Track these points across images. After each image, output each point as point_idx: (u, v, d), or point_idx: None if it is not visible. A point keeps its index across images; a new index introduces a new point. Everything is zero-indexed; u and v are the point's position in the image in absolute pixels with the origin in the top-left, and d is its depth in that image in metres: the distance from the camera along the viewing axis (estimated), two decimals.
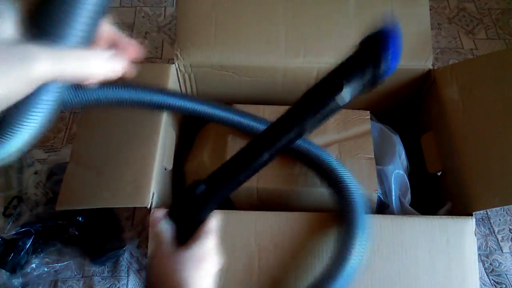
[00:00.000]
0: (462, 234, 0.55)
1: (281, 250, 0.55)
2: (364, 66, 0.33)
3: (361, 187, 0.62)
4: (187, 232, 0.39)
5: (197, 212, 0.40)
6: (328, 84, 0.36)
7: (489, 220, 0.92)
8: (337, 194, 0.56)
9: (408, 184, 0.70)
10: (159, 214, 0.41)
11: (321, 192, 0.64)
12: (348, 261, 0.49)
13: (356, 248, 0.50)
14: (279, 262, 0.55)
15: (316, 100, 0.36)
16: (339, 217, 0.55)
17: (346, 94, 0.35)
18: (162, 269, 0.37)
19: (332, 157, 0.60)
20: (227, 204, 0.68)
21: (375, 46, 0.33)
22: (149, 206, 0.56)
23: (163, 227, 0.39)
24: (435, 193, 0.72)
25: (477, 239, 0.55)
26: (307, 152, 0.61)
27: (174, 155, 0.70)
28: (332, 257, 0.52)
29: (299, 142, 0.61)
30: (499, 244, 0.89)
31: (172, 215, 0.41)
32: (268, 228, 0.56)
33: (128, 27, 1.19)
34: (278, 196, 0.65)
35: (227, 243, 0.53)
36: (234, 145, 0.67)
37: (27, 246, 0.80)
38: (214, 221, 0.41)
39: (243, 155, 0.40)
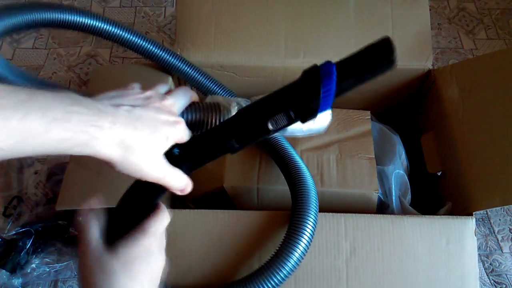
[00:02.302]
0: (462, 234, 0.55)
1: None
2: (300, 98, 0.33)
3: (361, 186, 0.63)
4: (122, 230, 0.36)
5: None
6: (261, 109, 0.36)
7: (489, 220, 0.92)
8: (292, 185, 0.57)
9: (408, 184, 0.70)
10: (89, 214, 0.37)
11: (321, 191, 0.64)
12: (298, 246, 0.49)
13: (306, 234, 0.50)
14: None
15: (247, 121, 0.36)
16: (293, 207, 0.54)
17: (278, 120, 0.35)
18: (88, 278, 0.33)
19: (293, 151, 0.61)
20: (227, 204, 0.68)
21: (316, 80, 0.32)
22: None
23: (92, 227, 0.36)
24: (435, 193, 0.72)
25: (477, 239, 0.55)
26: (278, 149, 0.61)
27: None
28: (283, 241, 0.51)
29: (278, 139, 0.62)
30: (499, 244, 0.89)
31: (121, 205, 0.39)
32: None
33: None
34: (278, 196, 0.65)
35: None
36: None
37: (27, 246, 0.80)
38: (159, 218, 0.37)
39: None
